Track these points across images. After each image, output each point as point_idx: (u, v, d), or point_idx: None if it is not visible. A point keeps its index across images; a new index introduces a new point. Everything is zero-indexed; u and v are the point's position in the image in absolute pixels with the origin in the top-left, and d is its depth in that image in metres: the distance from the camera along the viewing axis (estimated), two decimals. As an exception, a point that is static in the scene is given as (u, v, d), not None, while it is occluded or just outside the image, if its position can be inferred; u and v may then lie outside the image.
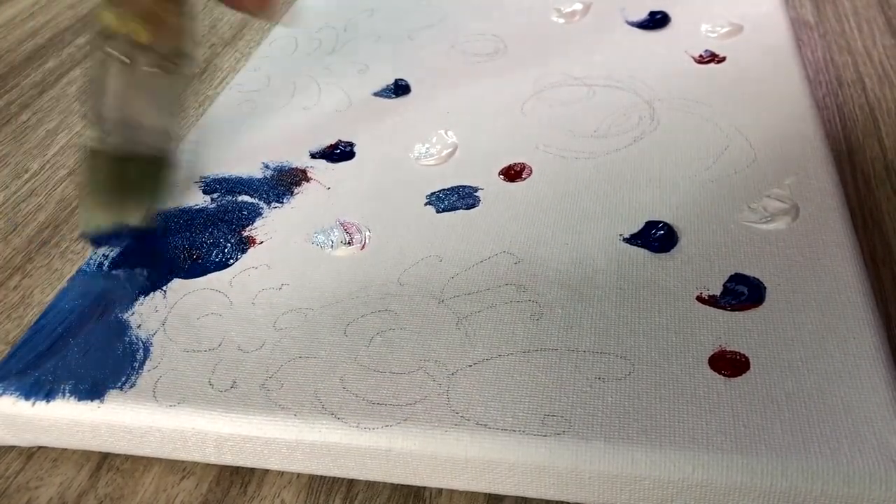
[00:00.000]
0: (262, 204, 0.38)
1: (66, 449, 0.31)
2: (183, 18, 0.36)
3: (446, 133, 0.42)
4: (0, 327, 0.37)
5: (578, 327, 0.30)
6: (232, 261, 0.35)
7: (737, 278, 0.31)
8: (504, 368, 0.29)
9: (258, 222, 0.37)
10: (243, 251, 0.35)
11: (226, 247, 0.36)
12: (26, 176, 0.47)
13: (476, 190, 0.38)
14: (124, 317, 0.33)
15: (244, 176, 0.40)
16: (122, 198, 0.36)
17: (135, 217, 0.36)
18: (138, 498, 0.29)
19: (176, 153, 0.38)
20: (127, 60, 0.35)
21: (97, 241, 0.36)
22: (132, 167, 0.36)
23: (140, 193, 0.37)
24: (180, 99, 0.38)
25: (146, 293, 0.34)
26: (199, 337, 0.31)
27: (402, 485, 0.29)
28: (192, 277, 0.34)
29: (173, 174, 0.38)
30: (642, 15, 0.50)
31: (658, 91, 0.43)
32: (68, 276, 0.37)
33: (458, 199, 0.37)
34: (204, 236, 0.36)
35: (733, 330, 0.29)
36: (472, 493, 0.28)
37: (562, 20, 0.51)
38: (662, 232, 0.34)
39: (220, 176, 0.40)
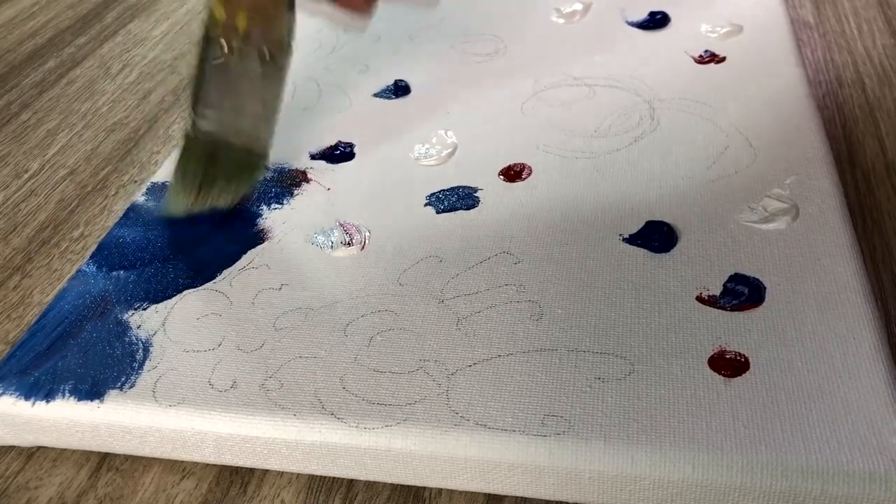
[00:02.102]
0: (261, 205, 0.38)
1: (65, 449, 0.31)
2: (286, 11, 0.36)
3: (446, 133, 0.42)
4: (0, 327, 0.37)
5: (578, 327, 0.30)
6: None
7: (737, 278, 0.31)
8: (504, 368, 0.29)
9: (258, 223, 0.37)
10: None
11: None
12: (26, 176, 0.47)
13: (476, 190, 0.38)
14: (124, 317, 0.33)
15: (244, 176, 0.40)
16: (211, 185, 0.37)
17: (220, 205, 0.37)
18: (138, 498, 0.29)
19: (267, 146, 0.39)
20: (228, 49, 0.35)
21: (176, 222, 0.37)
22: (225, 156, 0.37)
23: (228, 183, 0.37)
24: (277, 91, 0.38)
25: (147, 297, 0.34)
26: (199, 337, 0.31)
27: (402, 485, 0.29)
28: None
29: (263, 166, 0.39)
30: (642, 15, 0.50)
31: (658, 91, 0.43)
32: (68, 276, 0.37)
33: (457, 199, 0.37)
34: (204, 241, 0.36)
35: (733, 330, 0.29)
36: (472, 493, 0.28)
37: (562, 20, 0.51)
38: (662, 232, 0.34)
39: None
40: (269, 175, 0.40)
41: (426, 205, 0.37)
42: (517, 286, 0.32)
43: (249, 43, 0.36)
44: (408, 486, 0.29)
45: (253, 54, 0.36)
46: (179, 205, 0.37)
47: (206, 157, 0.36)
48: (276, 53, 0.37)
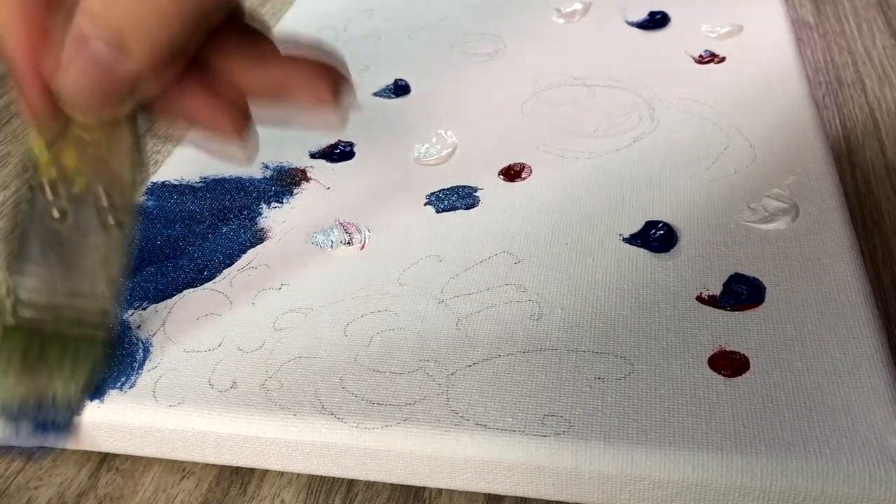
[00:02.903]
0: (261, 204, 0.38)
1: (65, 449, 0.31)
2: (130, 148, 0.27)
3: (446, 133, 0.42)
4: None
5: (578, 327, 0.30)
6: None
7: (737, 278, 0.31)
8: (504, 368, 0.29)
9: (258, 223, 0.37)
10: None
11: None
12: (26, 176, 0.46)
13: (476, 190, 0.38)
14: (124, 317, 0.33)
15: (243, 176, 0.40)
16: (39, 367, 0.28)
17: (62, 394, 0.29)
18: (138, 498, 0.29)
19: (108, 314, 0.29)
20: (53, 197, 0.27)
21: (13, 417, 0.28)
22: (54, 328, 0.28)
23: (63, 364, 0.29)
24: (118, 260, 0.28)
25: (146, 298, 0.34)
26: (199, 337, 0.31)
27: (402, 485, 0.29)
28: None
29: (104, 341, 0.29)
30: (642, 15, 0.50)
31: (658, 91, 0.43)
32: (68, 276, 0.37)
33: (457, 199, 0.37)
34: (202, 238, 0.36)
35: (733, 330, 0.29)
36: (472, 493, 0.28)
37: (562, 20, 0.51)
38: (662, 232, 0.34)
39: (220, 176, 0.40)
40: (268, 174, 0.40)
41: (426, 204, 0.37)
42: (517, 286, 0.32)
43: (83, 189, 0.27)
44: (408, 486, 0.29)
45: (88, 203, 0.27)
46: (4, 393, 0.28)
47: (29, 331, 0.28)
48: (118, 202, 0.28)
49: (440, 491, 0.29)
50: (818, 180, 0.36)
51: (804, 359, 0.28)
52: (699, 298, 0.31)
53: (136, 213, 0.28)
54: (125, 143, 0.27)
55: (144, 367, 0.30)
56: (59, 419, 0.28)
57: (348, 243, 0.35)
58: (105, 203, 0.27)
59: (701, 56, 0.46)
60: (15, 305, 0.28)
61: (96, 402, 0.29)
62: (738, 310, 0.30)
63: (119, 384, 0.30)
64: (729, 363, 0.28)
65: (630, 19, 0.50)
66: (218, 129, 0.26)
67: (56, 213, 0.27)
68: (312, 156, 0.41)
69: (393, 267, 0.34)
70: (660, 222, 0.34)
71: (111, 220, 0.28)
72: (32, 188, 0.28)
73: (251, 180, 0.40)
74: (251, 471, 0.30)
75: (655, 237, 0.34)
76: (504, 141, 0.41)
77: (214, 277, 0.34)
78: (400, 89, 0.46)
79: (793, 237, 0.33)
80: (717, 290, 0.31)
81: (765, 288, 0.31)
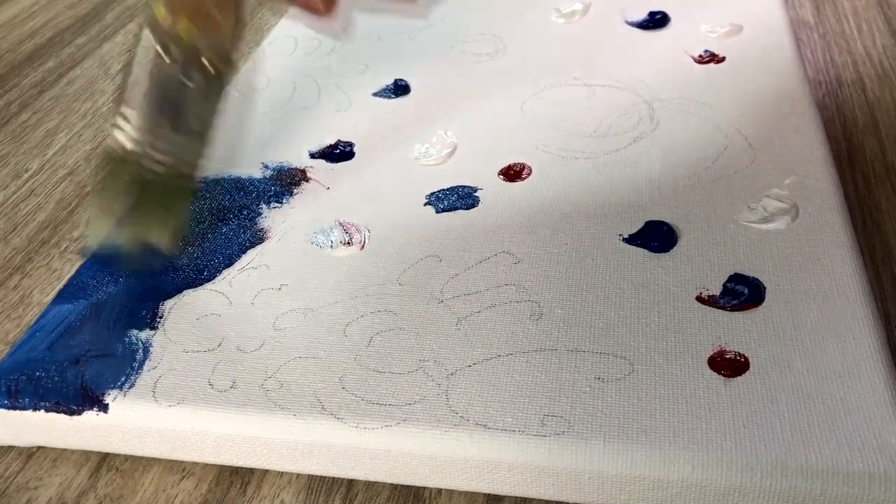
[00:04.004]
0: (261, 204, 0.38)
1: (65, 449, 0.31)
2: (235, 22, 0.32)
3: (446, 133, 0.42)
4: (0, 327, 0.37)
5: (578, 327, 0.30)
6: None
7: (736, 278, 0.31)
8: (503, 369, 0.29)
9: (258, 223, 0.37)
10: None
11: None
12: (26, 176, 0.47)
13: (476, 190, 0.38)
14: (124, 317, 0.33)
15: (243, 176, 0.40)
16: (137, 211, 0.32)
17: (153, 241, 0.32)
18: (138, 498, 0.29)
19: (199, 170, 0.33)
20: (166, 56, 0.31)
21: (99, 260, 0.32)
22: (151, 178, 0.32)
23: (157, 212, 0.33)
24: (215, 109, 0.33)
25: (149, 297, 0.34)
26: (199, 337, 0.31)
27: (402, 485, 0.29)
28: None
29: (194, 194, 0.34)
30: (642, 15, 0.50)
31: (658, 91, 0.43)
32: (68, 276, 0.37)
33: (457, 199, 0.37)
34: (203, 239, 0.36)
35: (733, 330, 0.29)
36: (472, 493, 0.28)
37: (562, 20, 0.51)
38: (662, 232, 0.34)
39: (219, 176, 0.40)
40: (268, 174, 0.40)
41: (426, 204, 0.37)
42: (517, 286, 0.32)
43: (191, 52, 0.31)
44: (408, 486, 0.29)
45: (194, 65, 0.31)
46: (99, 235, 0.32)
47: (129, 178, 0.31)
48: (220, 67, 0.32)
49: (440, 491, 0.29)
50: (818, 180, 0.36)
51: (804, 359, 0.28)
52: (699, 298, 0.31)
53: (234, 71, 0.33)
54: (230, 13, 0.32)
55: (144, 367, 0.30)
56: (149, 260, 0.32)
57: (348, 243, 0.35)
58: (210, 69, 0.32)
59: (701, 56, 0.46)
60: (119, 137, 0.31)
61: (95, 409, 0.29)
62: (738, 310, 0.30)
63: (119, 384, 0.30)
64: (729, 363, 0.28)
65: (630, 19, 0.50)
66: (310, 6, 0.34)
67: (166, 70, 0.31)
68: (312, 156, 0.41)
69: (393, 267, 0.34)
70: (660, 222, 0.34)
71: (212, 86, 0.32)
72: (147, 44, 0.31)
73: (251, 180, 0.40)
74: (251, 471, 0.30)
75: (655, 237, 0.34)
76: (504, 141, 0.41)
77: (214, 278, 0.34)
78: (400, 89, 0.46)
79: (793, 237, 0.33)
80: (717, 290, 0.31)
81: (765, 288, 0.31)
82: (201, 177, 0.33)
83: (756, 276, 0.31)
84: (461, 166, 0.39)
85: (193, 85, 0.32)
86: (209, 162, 0.33)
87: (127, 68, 0.31)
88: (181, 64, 0.31)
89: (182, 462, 0.30)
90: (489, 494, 0.28)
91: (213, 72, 0.32)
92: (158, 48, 0.31)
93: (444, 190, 0.38)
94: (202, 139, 0.33)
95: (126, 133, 0.31)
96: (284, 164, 0.41)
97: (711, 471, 0.25)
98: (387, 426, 0.27)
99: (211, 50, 0.32)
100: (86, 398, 0.29)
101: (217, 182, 0.40)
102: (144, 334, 0.32)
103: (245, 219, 0.37)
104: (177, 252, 0.33)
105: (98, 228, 0.32)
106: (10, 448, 0.31)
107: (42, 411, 0.29)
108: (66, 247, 0.41)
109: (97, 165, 0.31)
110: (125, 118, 0.31)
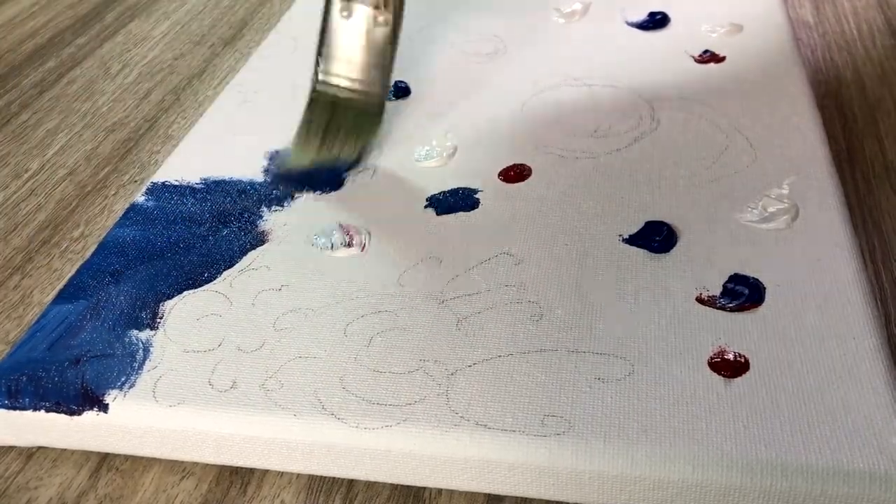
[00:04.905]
0: (262, 207, 0.38)
1: (65, 449, 0.31)
2: None
3: (446, 135, 0.42)
4: (0, 327, 0.37)
5: (578, 328, 0.30)
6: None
7: (736, 278, 0.31)
8: (504, 369, 0.29)
9: (259, 225, 0.37)
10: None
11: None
12: (26, 176, 0.47)
13: (476, 191, 0.38)
14: (124, 317, 0.33)
15: (244, 179, 0.40)
16: (335, 136, 0.40)
17: (344, 156, 0.40)
18: (138, 498, 0.29)
19: (384, 97, 0.42)
20: (345, 12, 0.40)
21: (293, 181, 0.39)
22: (345, 107, 0.41)
23: (349, 134, 0.40)
24: (393, 44, 0.41)
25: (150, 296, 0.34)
26: (199, 337, 0.31)
27: (402, 485, 0.29)
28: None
29: (381, 117, 0.42)
30: (642, 15, 0.50)
31: (658, 91, 0.43)
32: (68, 276, 0.37)
33: (458, 200, 0.37)
34: (203, 241, 0.36)
35: (733, 330, 0.29)
36: (472, 493, 0.28)
37: (562, 20, 0.51)
38: (662, 232, 0.34)
39: (220, 178, 0.40)
40: (269, 176, 0.40)
41: (426, 206, 0.37)
42: (517, 287, 0.32)
43: (366, 4, 0.40)
44: (408, 486, 0.29)
45: (369, 9, 0.40)
46: (304, 156, 0.40)
47: (328, 109, 0.41)
48: (391, 7, 0.41)
49: (440, 491, 0.29)
50: (818, 180, 0.36)
51: (804, 359, 0.28)
52: (699, 299, 0.31)
53: (402, 12, 0.42)
54: None
55: (144, 368, 0.30)
56: (337, 177, 0.40)
57: (349, 245, 0.35)
58: (381, 7, 0.41)
59: (701, 56, 0.46)
60: (319, 76, 0.41)
61: (96, 409, 0.29)
62: (737, 310, 0.30)
63: (119, 384, 0.30)
64: (729, 363, 0.28)
65: (630, 19, 0.50)
66: None
67: (345, 14, 0.41)
68: (312, 156, 0.41)
69: (393, 268, 0.34)
70: (660, 222, 0.34)
71: (384, 21, 0.41)
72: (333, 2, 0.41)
73: (251, 183, 0.40)
74: (251, 471, 0.30)
75: (655, 237, 0.34)
76: (504, 141, 0.41)
77: (215, 279, 0.34)
78: (400, 91, 0.46)
79: (793, 237, 0.33)
80: (716, 290, 0.31)
81: (765, 288, 0.31)
82: (384, 104, 0.42)
83: (756, 277, 0.31)
84: (462, 167, 0.39)
85: (370, 26, 0.41)
86: (387, 93, 0.42)
87: (322, 19, 0.41)
88: (358, 9, 0.40)
89: (182, 462, 0.30)
90: (489, 494, 0.28)
91: (385, 12, 0.41)
92: (339, 7, 0.41)
93: (444, 192, 0.38)
94: (383, 71, 0.42)
95: (322, 74, 0.41)
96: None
97: (711, 471, 0.25)
98: (387, 426, 0.27)
99: (381, 4, 0.41)
100: (86, 398, 0.29)
101: (218, 184, 0.40)
102: (145, 334, 0.32)
103: (246, 221, 0.37)
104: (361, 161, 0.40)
105: (301, 150, 0.40)
106: (11, 448, 0.31)
107: (42, 411, 0.29)
108: (67, 247, 0.41)
109: (308, 103, 0.41)
110: (321, 61, 0.41)
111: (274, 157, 0.41)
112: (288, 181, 0.39)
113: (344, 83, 0.41)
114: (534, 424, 0.27)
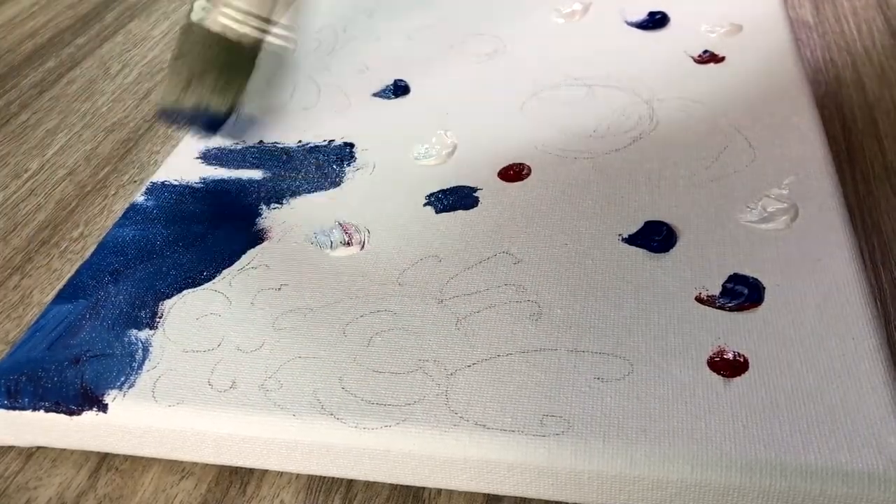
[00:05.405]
0: (261, 205, 0.38)
1: (65, 449, 0.31)
2: None
3: (446, 133, 0.42)
4: (0, 327, 0.37)
5: (577, 327, 0.30)
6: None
7: (736, 278, 0.31)
8: (503, 369, 0.29)
9: (258, 223, 0.37)
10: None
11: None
12: (26, 176, 0.47)
13: (475, 190, 0.38)
14: (124, 317, 0.33)
15: (244, 177, 0.40)
16: (202, 76, 0.37)
17: (219, 101, 0.37)
18: (137, 498, 0.29)
19: (277, 48, 0.39)
20: None
21: (170, 117, 0.37)
22: (226, 48, 0.37)
23: (219, 78, 0.37)
24: None
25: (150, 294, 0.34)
26: (199, 337, 0.31)
27: (402, 485, 0.29)
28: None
29: (254, 64, 0.39)
30: (642, 15, 0.50)
31: (657, 91, 0.43)
32: (68, 276, 0.37)
33: (457, 199, 0.37)
34: (203, 239, 0.36)
35: (732, 330, 0.29)
36: (471, 493, 0.28)
37: (562, 20, 0.51)
38: (662, 232, 0.34)
39: (220, 178, 0.40)
40: (268, 175, 0.40)
41: (426, 205, 0.37)
42: (516, 286, 0.32)
43: None
44: (407, 486, 0.29)
45: None
46: (169, 95, 0.37)
47: (200, 47, 0.37)
48: None
49: (439, 491, 0.29)
50: (818, 180, 0.36)
51: (803, 359, 0.28)
52: (699, 299, 0.31)
53: None
54: None
55: (144, 367, 0.30)
56: (210, 120, 0.37)
57: (348, 243, 0.35)
58: None
59: (700, 56, 0.46)
60: (192, 9, 0.37)
61: (95, 409, 0.29)
62: (737, 310, 0.30)
63: (118, 384, 0.30)
64: (728, 363, 0.28)
65: (630, 19, 0.50)
66: None
67: None
68: (312, 156, 0.41)
69: (392, 267, 0.34)
70: (659, 222, 0.34)
71: None
72: None
73: (250, 181, 0.40)
74: (251, 471, 0.30)
75: (655, 237, 0.34)
76: (504, 141, 0.41)
77: (214, 278, 0.34)
78: (400, 90, 0.46)
79: (793, 237, 0.33)
80: (716, 290, 0.31)
81: (764, 288, 0.31)
82: (258, 52, 0.38)
83: (756, 276, 0.31)
84: (461, 166, 0.39)
85: None
86: (284, 37, 0.39)
87: None
88: None
89: (182, 462, 0.30)
90: (489, 494, 0.28)
91: None
92: None
93: (443, 191, 0.38)
94: (260, 18, 0.38)
95: (196, 8, 0.37)
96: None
97: (711, 471, 0.25)
98: (386, 426, 0.27)
99: None
100: (85, 398, 0.29)
101: (217, 182, 0.40)
102: (144, 334, 0.32)
103: (245, 220, 0.37)
104: (227, 112, 0.38)
105: (171, 89, 0.37)
106: (10, 448, 0.31)
107: (42, 411, 0.29)
108: (66, 247, 0.41)
109: (180, 31, 0.38)
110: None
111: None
112: (164, 117, 0.38)
113: (221, 17, 0.37)
114: (533, 424, 0.27)
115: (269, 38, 0.39)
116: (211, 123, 0.38)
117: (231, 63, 0.38)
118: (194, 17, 0.37)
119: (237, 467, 0.30)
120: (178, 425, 0.29)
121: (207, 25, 0.37)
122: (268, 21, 0.38)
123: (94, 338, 0.32)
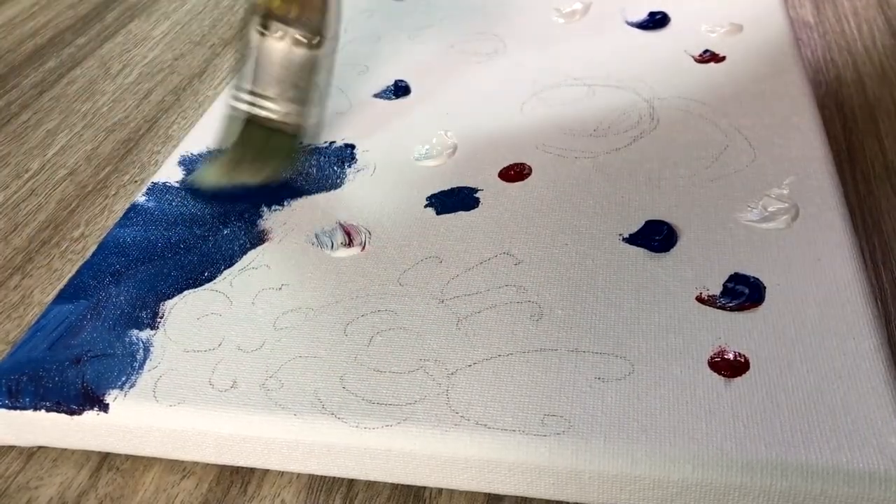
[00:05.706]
0: (262, 206, 0.38)
1: (66, 449, 0.31)
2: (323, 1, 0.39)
3: (446, 134, 0.42)
4: (0, 327, 0.37)
5: (578, 328, 0.30)
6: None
7: (736, 278, 0.31)
8: (504, 368, 0.29)
9: (259, 224, 0.37)
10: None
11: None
12: (26, 176, 0.47)
13: (476, 191, 0.38)
14: (124, 317, 0.33)
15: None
16: (241, 162, 0.39)
17: (252, 180, 0.39)
18: (138, 498, 0.29)
19: (303, 128, 0.40)
20: (265, 32, 0.38)
21: (205, 196, 0.39)
22: (257, 135, 0.39)
23: (257, 162, 0.39)
24: (314, 75, 0.40)
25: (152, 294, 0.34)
26: (200, 337, 0.31)
27: (402, 485, 0.29)
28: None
29: (298, 149, 0.41)
30: (642, 15, 0.50)
31: (658, 91, 0.43)
32: (68, 276, 0.37)
33: (458, 200, 0.37)
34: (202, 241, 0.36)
35: (733, 330, 0.29)
36: (472, 492, 0.28)
37: (562, 20, 0.51)
38: (662, 232, 0.34)
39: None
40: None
41: (426, 206, 0.37)
42: (517, 286, 0.32)
43: (287, 26, 0.38)
44: (408, 486, 0.29)
45: (290, 38, 0.39)
46: (210, 179, 0.39)
47: (241, 134, 0.39)
48: (313, 39, 0.39)
49: (440, 491, 0.29)
50: (818, 180, 0.36)
51: (804, 359, 0.28)
52: (699, 298, 0.31)
53: (326, 41, 0.40)
54: None
55: (145, 367, 0.30)
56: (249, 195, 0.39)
57: (349, 244, 0.35)
58: (304, 41, 0.39)
59: (701, 55, 0.46)
60: (235, 100, 0.39)
61: (96, 409, 0.29)
62: (737, 310, 0.30)
63: (119, 384, 0.30)
64: (729, 363, 0.28)
65: (630, 19, 0.50)
66: None
67: (262, 31, 0.38)
68: (313, 156, 0.42)
69: (393, 268, 0.34)
70: (660, 222, 0.34)
71: (307, 45, 0.39)
72: (250, 22, 0.39)
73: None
74: (251, 471, 0.30)
75: (655, 237, 0.34)
76: (504, 141, 0.41)
77: (215, 278, 0.34)
78: (400, 90, 0.46)
79: (793, 237, 0.33)
80: (716, 290, 0.31)
81: (765, 288, 0.31)
82: (301, 129, 0.40)
83: (756, 276, 0.31)
84: (461, 167, 0.39)
85: (292, 57, 0.39)
86: (308, 117, 0.41)
87: (239, 47, 0.40)
88: (277, 35, 0.38)
89: (182, 462, 0.30)
90: (489, 494, 0.28)
91: (306, 40, 0.39)
92: (260, 25, 0.38)
93: (444, 192, 0.38)
94: (302, 102, 0.40)
95: (237, 99, 0.39)
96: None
97: (711, 470, 0.25)
98: (387, 426, 0.27)
99: (304, 21, 0.39)
100: (86, 398, 0.29)
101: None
102: (145, 334, 0.32)
103: (246, 221, 0.37)
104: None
105: (208, 172, 0.40)
106: (11, 448, 0.31)
107: (43, 411, 0.29)
108: (67, 247, 0.41)
109: (228, 126, 0.40)
110: (239, 86, 0.39)
111: (189, 167, 0.41)
112: (199, 196, 0.39)
113: (261, 103, 0.39)
114: (534, 424, 0.27)
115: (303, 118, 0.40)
116: (242, 194, 0.39)
117: (273, 147, 0.40)
118: (238, 110, 0.39)
119: (238, 467, 0.30)
120: (179, 425, 0.29)
121: (253, 119, 0.39)
122: (305, 99, 0.40)
123: (95, 338, 0.32)
